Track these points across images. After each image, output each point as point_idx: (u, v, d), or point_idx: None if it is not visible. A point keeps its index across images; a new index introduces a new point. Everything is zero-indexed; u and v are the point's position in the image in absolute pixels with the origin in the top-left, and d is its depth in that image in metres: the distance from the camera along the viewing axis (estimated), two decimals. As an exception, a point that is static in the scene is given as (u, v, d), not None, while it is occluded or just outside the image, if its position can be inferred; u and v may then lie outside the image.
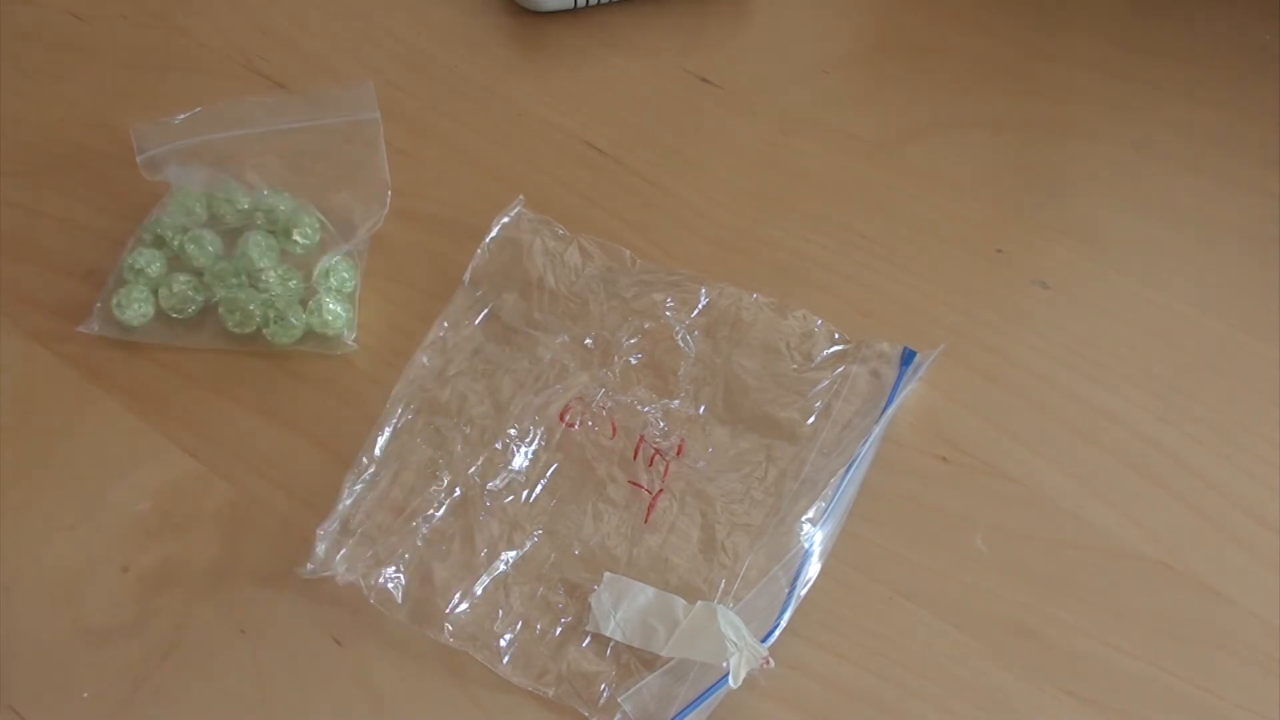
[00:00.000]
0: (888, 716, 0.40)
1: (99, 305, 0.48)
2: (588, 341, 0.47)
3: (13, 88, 0.57)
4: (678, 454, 0.45)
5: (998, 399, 0.48)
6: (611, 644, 0.41)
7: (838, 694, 0.40)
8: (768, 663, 0.39)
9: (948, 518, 0.44)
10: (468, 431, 0.45)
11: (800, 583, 0.42)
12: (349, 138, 0.49)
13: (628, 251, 0.50)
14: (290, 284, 0.48)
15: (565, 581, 0.42)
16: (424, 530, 0.43)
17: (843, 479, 0.43)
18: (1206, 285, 0.51)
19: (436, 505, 0.43)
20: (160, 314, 0.48)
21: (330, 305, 0.47)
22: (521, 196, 0.51)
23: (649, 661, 0.41)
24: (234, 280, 0.48)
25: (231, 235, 0.50)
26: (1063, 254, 0.52)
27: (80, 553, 0.43)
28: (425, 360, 0.47)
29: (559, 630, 0.41)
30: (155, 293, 0.48)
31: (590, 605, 0.41)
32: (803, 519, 0.42)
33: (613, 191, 0.54)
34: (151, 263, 0.48)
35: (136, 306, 0.47)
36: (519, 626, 0.41)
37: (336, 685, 0.40)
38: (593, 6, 0.61)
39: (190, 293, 0.48)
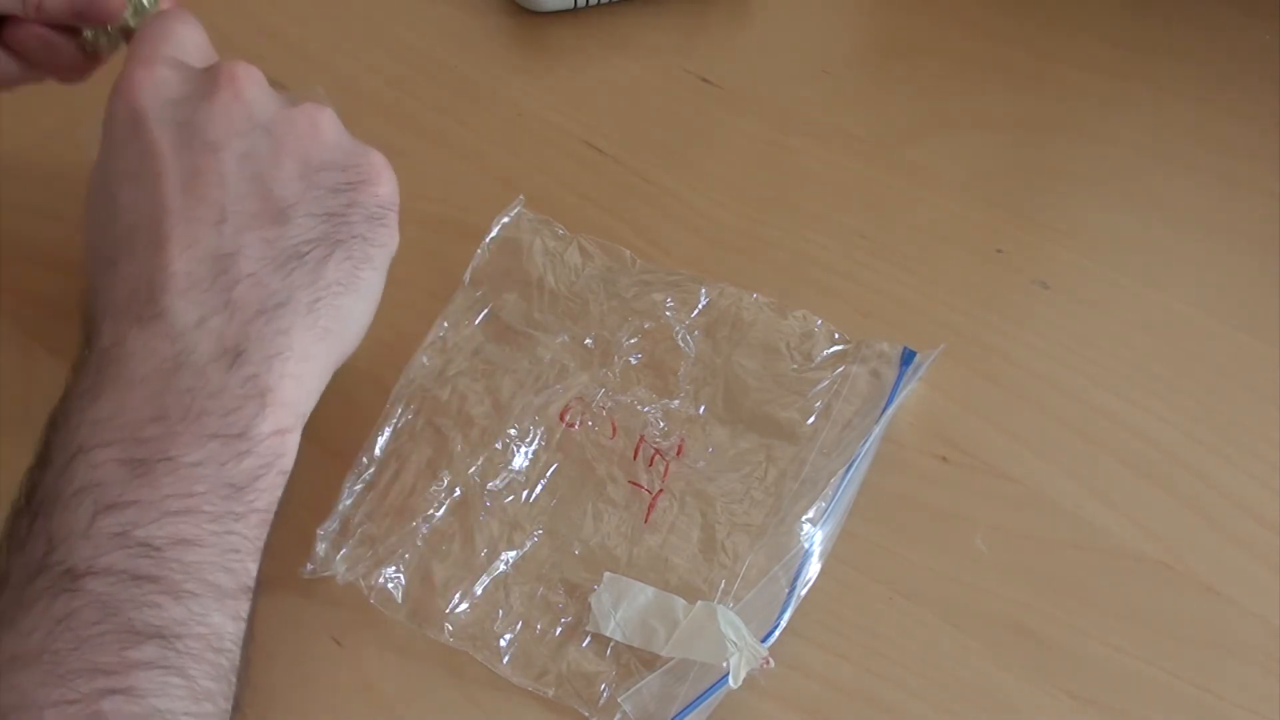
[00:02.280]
0: (888, 716, 0.40)
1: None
2: (588, 341, 0.47)
3: (13, 88, 0.57)
4: (678, 454, 0.45)
5: (998, 399, 0.48)
6: (611, 644, 0.41)
7: (838, 694, 0.40)
8: (768, 663, 0.39)
9: (948, 518, 0.44)
10: (468, 431, 0.45)
11: (800, 583, 0.42)
12: None
13: (628, 251, 0.50)
14: None
15: (565, 581, 0.42)
16: (424, 530, 0.43)
17: (843, 479, 0.43)
18: (1207, 285, 0.51)
19: (436, 505, 0.43)
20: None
21: None
22: (521, 196, 0.51)
23: (649, 661, 0.41)
24: None
25: None
26: (1063, 254, 0.52)
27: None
28: (425, 360, 0.47)
29: (559, 630, 0.41)
30: None
31: (590, 605, 0.41)
32: (803, 519, 0.42)
33: (613, 191, 0.54)
34: None
35: None
36: (519, 626, 0.41)
37: (336, 685, 0.40)
38: (593, 6, 0.61)
39: None
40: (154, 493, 0.32)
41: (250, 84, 0.39)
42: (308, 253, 0.37)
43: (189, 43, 0.42)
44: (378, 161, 0.41)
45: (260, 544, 0.35)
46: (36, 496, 0.33)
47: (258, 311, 0.36)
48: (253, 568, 0.35)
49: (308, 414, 0.37)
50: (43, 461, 0.34)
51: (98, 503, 0.32)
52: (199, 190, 0.37)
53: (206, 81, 0.39)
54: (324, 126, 0.40)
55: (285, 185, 0.38)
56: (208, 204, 0.36)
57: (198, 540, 0.32)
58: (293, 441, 0.36)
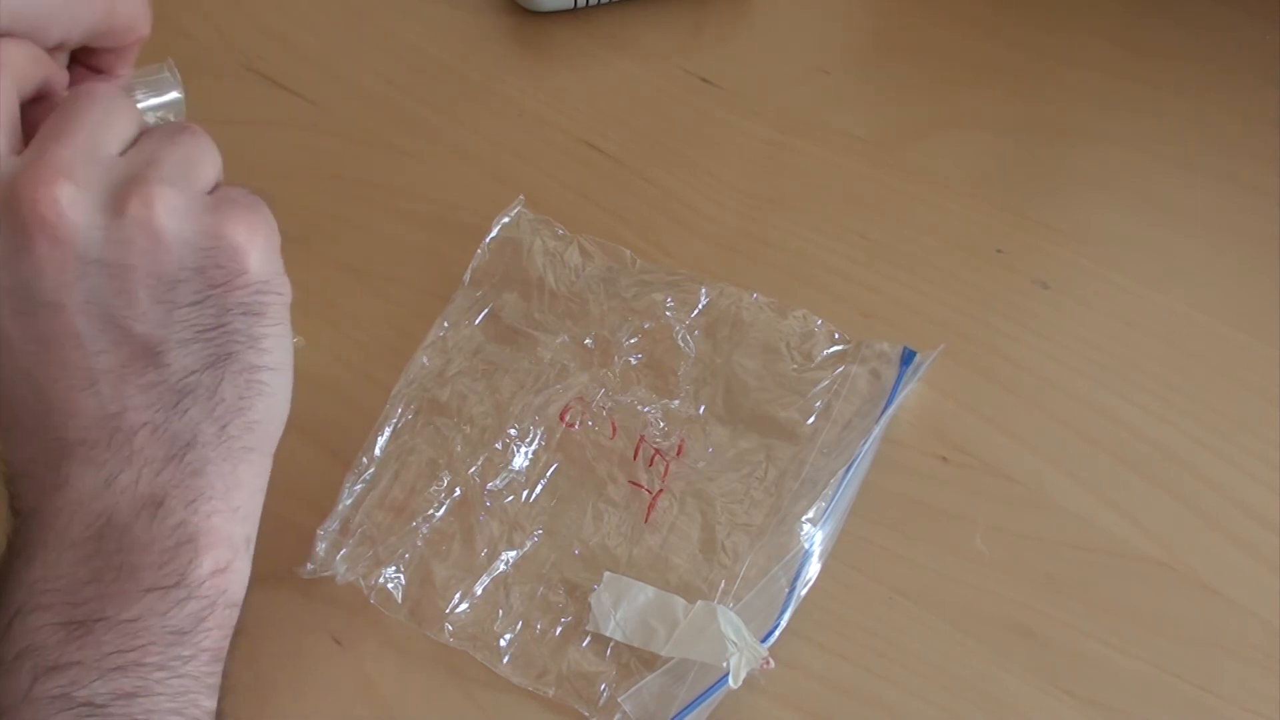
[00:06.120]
0: (888, 716, 0.40)
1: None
2: (588, 341, 0.47)
3: (13, 88, 0.57)
4: (678, 454, 0.45)
5: (998, 399, 0.48)
6: (611, 644, 0.41)
7: (838, 694, 0.40)
8: (768, 663, 0.39)
9: (948, 518, 0.44)
10: (468, 431, 0.45)
11: (800, 583, 0.42)
12: None
13: (628, 251, 0.50)
14: None
15: (565, 581, 0.42)
16: (424, 530, 0.43)
17: (843, 479, 0.43)
18: (1206, 285, 0.51)
19: (436, 505, 0.43)
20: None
21: None
22: (521, 196, 0.51)
23: (649, 661, 0.41)
24: None
25: None
26: (1063, 254, 0.52)
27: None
28: (425, 360, 0.47)
29: (559, 630, 0.41)
30: None
31: (590, 605, 0.41)
32: (803, 519, 0.42)
33: (613, 191, 0.54)
34: None
35: None
36: (519, 626, 0.41)
37: (336, 685, 0.40)
38: (593, 6, 0.61)
39: None
40: (95, 652, 0.31)
41: (63, 214, 0.32)
42: (196, 385, 0.34)
43: None
44: (238, 238, 0.34)
45: (215, 679, 0.34)
46: None
47: (166, 459, 0.33)
48: (208, 703, 0.33)
49: (254, 530, 0.36)
50: None
51: (37, 666, 0.31)
52: (57, 358, 0.33)
53: (14, 228, 0.32)
54: (163, 228, 0.33)
55: (144, 320, 0.33)
56: (71, 370, 0.33)
57: (143, 690, 0.32)
58: (237, 573, 0.34)
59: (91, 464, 0.33)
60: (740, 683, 0.39)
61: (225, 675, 0.34)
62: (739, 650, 0.39)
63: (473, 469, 0.44)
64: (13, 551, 0.33)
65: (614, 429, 0.45)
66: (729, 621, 0.40)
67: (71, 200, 0.32)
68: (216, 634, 0.34)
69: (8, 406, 0.33)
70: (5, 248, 0.32)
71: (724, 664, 0.39)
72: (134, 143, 0.35)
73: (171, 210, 0.33)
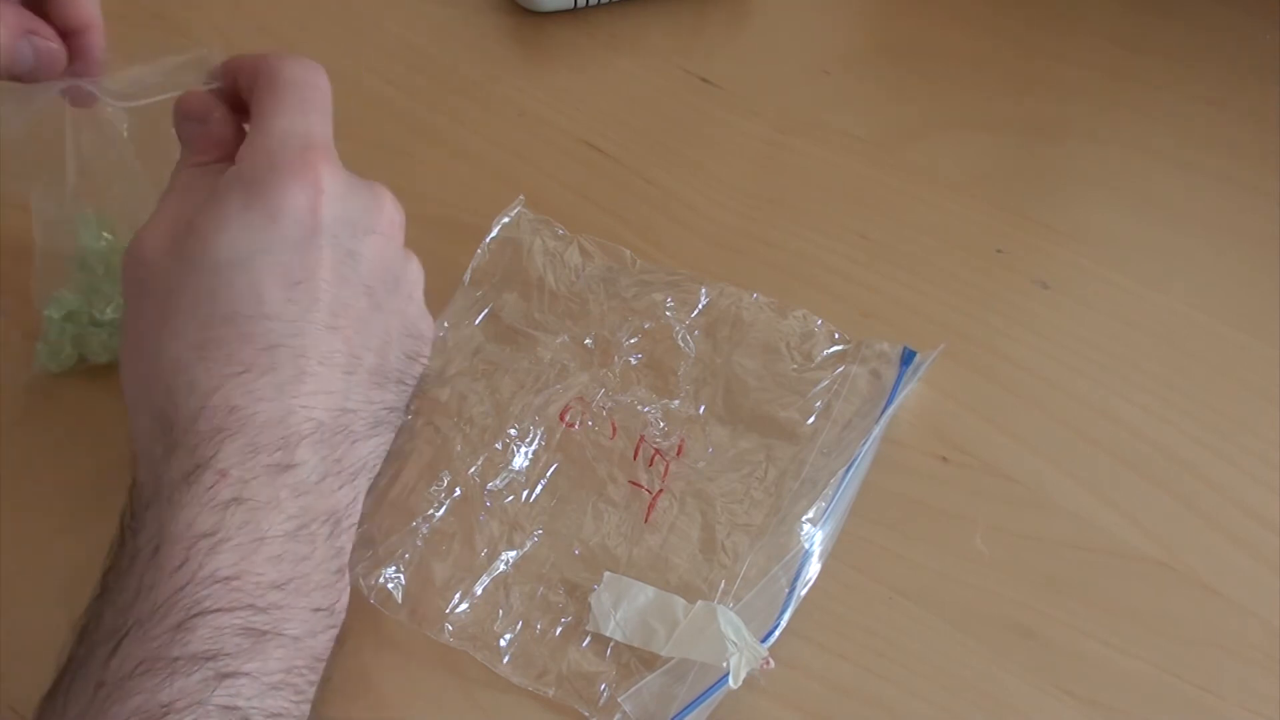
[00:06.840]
0: (888, 716, 0.40)
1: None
2: (588, 341, 0.47)
3: (13, 88, 0.57)
4: (678, 454, 0.45)
5: (998, 399, 0.48)
6: (611, 644, 0.41)
7: (838, 694, 0.40)
8: (768, 663, 0.39)
9: (948, 518, 0.44)
10: (468, 431, 0.45)
11: (800, 583, 0.42)
12: None
13: (628, 251, 0.50)
14: None
15: (565, 581, 0.42)
16: (424, 530, 0.43)
17: (843, 479, 0.43)
18: (1206, 285, 0.51)
19: (436, 505, 0.43)
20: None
21: None
22: (522, 196, 0.51)
23: (649, 661, 0.41)
24: None
25: None
26: (1063, 254, 0.52)
27: (80, 553, 0.43)
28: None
29: (559, 630, 0.41)
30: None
31: (590, 605, 0.41)
32: (803, 519, 0.42)
33: (613, 191, 0.54)
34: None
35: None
36: (519, 626, 0.41)
37: (337, 685, 0.40)
38: (593, 6, 0.61)
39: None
40: (264, 665, 0.31)
41: (399, 228, 0.38)
42: (385, 420, 0.36)
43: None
44: (430, 324, 0.42)
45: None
46: (147, 637, 0.30)
47: (351, 475, 0.34)
48: None
49: None
50: (143, 582, 0.31)
51: (218, 673, 0.30)
52: (343, 330, 0.34)
53: (372, 209, 0.36)
54: (420, 284, 0.40)
55: (393, 346, 0.37)
56: (344, 348, 0.34)
57: (285, 713, 0.32)
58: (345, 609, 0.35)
59: (317, 453, 0.33)
60: (740, 683, 0.39)
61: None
62: (739, 650, 0.39)
63: (473, 469, 0.44)
64: (196, 524, 0.31)
65: (614, 429, 0.45)
66: (729, 621, 0.40)
67: (402, 219, 0.39)
68: (324, 665, 0.34)
69: (266, 344, 0.33)
70: (359, 219, 0.36)
71: (724, 664, 0.39)
72: None
73: (421, 272, 0.40)
